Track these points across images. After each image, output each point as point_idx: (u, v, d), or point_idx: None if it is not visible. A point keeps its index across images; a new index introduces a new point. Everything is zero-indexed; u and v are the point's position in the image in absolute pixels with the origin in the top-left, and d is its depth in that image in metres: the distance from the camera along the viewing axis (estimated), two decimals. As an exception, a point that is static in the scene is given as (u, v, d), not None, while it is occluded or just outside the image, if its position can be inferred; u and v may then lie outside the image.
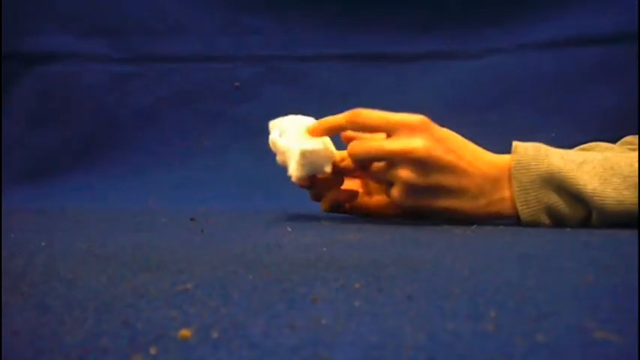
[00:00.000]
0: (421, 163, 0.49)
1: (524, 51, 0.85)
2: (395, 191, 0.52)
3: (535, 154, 0.50)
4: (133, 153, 0.93)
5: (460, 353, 0.17)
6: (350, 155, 0.53)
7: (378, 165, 0.52)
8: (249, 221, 0.57)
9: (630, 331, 0.18)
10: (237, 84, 0.93)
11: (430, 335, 0.18)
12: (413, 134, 0.49)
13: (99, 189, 0.89)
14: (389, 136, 0.51)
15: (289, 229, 0.49)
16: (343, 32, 0.91)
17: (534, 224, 0.50)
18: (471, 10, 0.87)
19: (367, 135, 0.53)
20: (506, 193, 0.51)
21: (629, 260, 0.32)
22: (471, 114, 0.85)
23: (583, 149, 0.58)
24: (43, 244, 0.40)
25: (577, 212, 0.49)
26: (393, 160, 0.50)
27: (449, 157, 0.49)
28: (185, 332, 0.18)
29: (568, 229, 0.48)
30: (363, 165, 0.54)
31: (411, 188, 0.51)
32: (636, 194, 0.47)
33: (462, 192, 0.50)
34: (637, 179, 0.47)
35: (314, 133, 0.54)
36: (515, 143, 0.51)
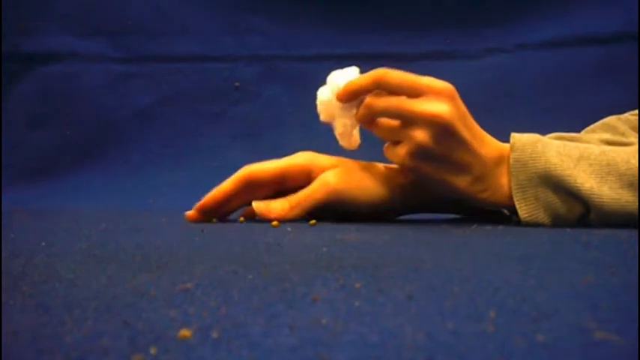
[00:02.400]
0: (441, 130, 0.48)
1: (524, 51, 0.86)
2: (402, 150, 0.50)
3: (532, 151, 0.50)
4: (133, 153, 0.93)
5: (460, 353, 0.17)
6: (367, 107, 0.51)
7: (389, 121, 0.51)
8: (249, 221, 0.57)
9: (630, 331, 0.18)
10: (237, 84, 0.93)
11: (430, 335, 0.18)
12: (440, 99, 0.48)
13: (99, 189, 0.89)
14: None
15: (289, 229, 0.49)
16: (343, 32, 0.91)
17: (532, 221, 0.50)
18: (471, 10, 0.87)
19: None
20: (504, 182, 0.51)
21: (629, 260, 0.32)
22: (471, 114, 0.85)
23: (560, 137, 0.58)
24: (43, 244, 0.40)
25: (574, 210, 0.49)
26: (413, 120, 0.49)
27: (466, 134, 0.49)
28: (185, 332, 0.18)
29: (568, 229, 0.48)
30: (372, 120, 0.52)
31: (421, 151, 0.49)
32: (632, 192, 0.47)
33: (466, 170, 0.50)
34: (632, 177, 0.47)
35: (342, 100, 0.52)
36: (513, 138, 0.51)
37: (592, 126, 0.61)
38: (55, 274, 0.28)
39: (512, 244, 0.40)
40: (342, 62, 0.92)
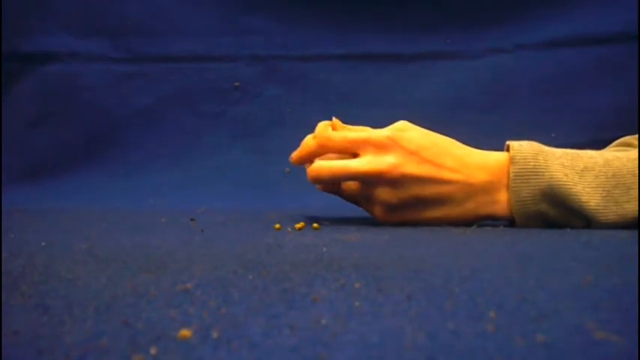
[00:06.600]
0: (396, 182, 0.48)
1: (524, 51, 0.85)
2: (377, 211, 0.51)
3: (534, 166, 0.48)
4: (133, 153, 0.93)
5: (460, 353, 0.17)
6: (311, 177, 0.50)
7: (350, 185, 0.52)
8: (249, 221, 0.57)
9: (630, 331, 0.18)
10: (237, 84, 0.93)
11: (430, 335, 0.18)
12: (381, 152, 0.48)
13: (99, 189, 0.89)
14: (356, 155, 0.50)
15: (289, 229, 0.49)
16: (343, 32, 0.91)
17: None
18: (471, 10, 0.87)
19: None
20: (501, 196, 0.49)
21: (629, 260, 0.32)
22: (471, 114, 0.85)
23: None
24: (43, 244, 0.40)
25: (576, 223, 0.49)
26: (365, 180, 0.49)
27: (424, 170, 0.48)
28: (185, 332, 0.18)
29: (568, 229, 0.48)
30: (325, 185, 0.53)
31: (392, 206, 0.50)
32: (637, 206, 0.47)
33: (446, 200, 0.49)
34: (638, 191, 0.47)
35: (294, 163, 0.53)
36: (512, 149, 0.49)
37: (609, 146, 0.58)
38: (55, 274, 0.28)
39: (512, 244, 0.40)
40: (343, 62, 0.93)
